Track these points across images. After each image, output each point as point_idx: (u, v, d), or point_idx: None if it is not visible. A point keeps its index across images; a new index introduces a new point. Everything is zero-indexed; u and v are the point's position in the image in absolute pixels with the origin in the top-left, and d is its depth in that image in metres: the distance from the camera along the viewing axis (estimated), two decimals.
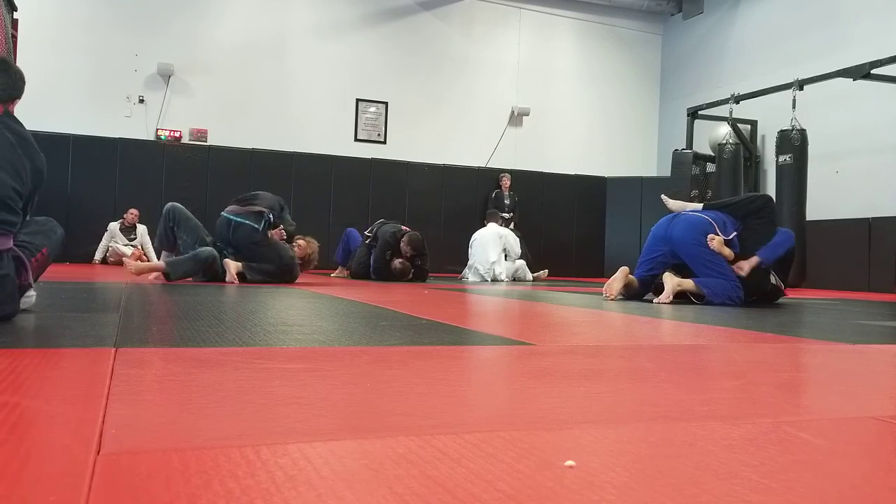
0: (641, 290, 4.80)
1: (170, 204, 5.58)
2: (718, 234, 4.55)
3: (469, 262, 8.44)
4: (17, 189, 2.22)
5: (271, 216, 5.58)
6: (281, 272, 5.51)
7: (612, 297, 4.61)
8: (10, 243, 2.20)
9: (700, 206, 4.99)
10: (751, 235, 4.68)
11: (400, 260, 7.14)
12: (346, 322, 2.68)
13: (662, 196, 5.23)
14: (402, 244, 7.21)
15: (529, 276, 8.67)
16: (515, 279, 8.50)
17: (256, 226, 5.46)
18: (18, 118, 2.41)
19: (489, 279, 8.08)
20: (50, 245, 2.45)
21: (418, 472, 0.78)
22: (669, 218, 4.82)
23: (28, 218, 2.41)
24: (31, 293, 2.44)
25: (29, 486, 0.70)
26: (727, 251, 4.54)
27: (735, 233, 4.63)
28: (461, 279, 8.25)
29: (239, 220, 5.46)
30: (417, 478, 0.76)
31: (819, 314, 4.07)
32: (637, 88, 12.60)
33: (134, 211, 9.29)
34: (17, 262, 2.22)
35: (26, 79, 2.51)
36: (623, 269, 4.71)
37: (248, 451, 0.84)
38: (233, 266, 5.24)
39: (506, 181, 10.99)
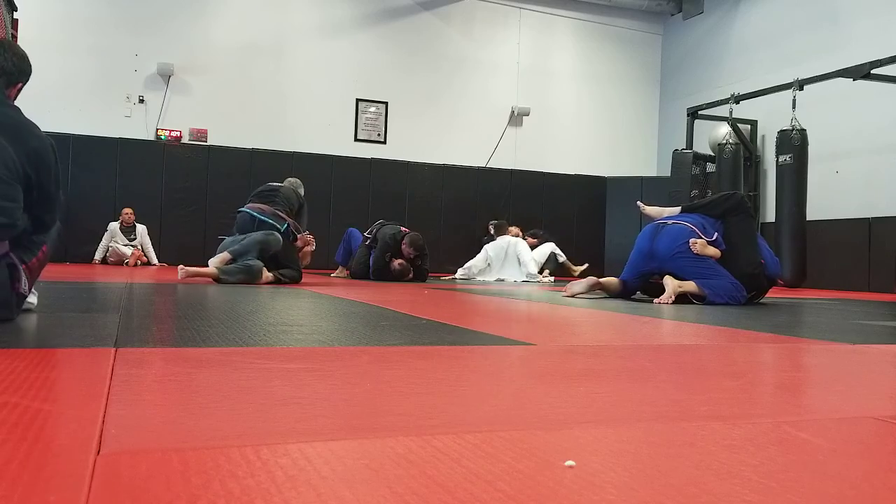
0: (625, 293, 4.84)
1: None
2: (701, 238, 4.55)
3: (486, 268, 8.55)
4: (7, 183, 2.09)
5: (294, 228, 5.78)
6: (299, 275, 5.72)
7: (571, 295, 4.79)
8: (5, 249, 2.14)
9: (677, 209, 4.97)
10: (734, 233, 4.69)
11: (399, 261, 7.14)
12: (346, 322, 2.68)
13: (639, 203, 5.23)
14: (403, 245, 7.21)
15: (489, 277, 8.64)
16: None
17: (279, 226, 5.63)
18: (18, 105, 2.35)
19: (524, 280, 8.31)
20: (48, 240, 2.38)
21: (418, 472, 0.78)
22: (652, 230, 4.78)
23: (47, 212, 2.29)
24: (32, 295, 2.41)
25: (29, 486, 0.70)
26: (712, 250, 4.54)
27: (717, 233, 4.63)
28: (453, 279, 8.26)
29: (263, 217, 5.60)
30: (417, 478, 0.76)
31: (819, 314, 4.07)
32: (637, 88, 12.59)
33: (128, 210, 9.28)
34: (11, 270, 2.15)
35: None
36: (590, 279, 4.86)
37: (248, 451, 0.84)
38: (265, 276, 5.34)
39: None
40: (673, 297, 4.38)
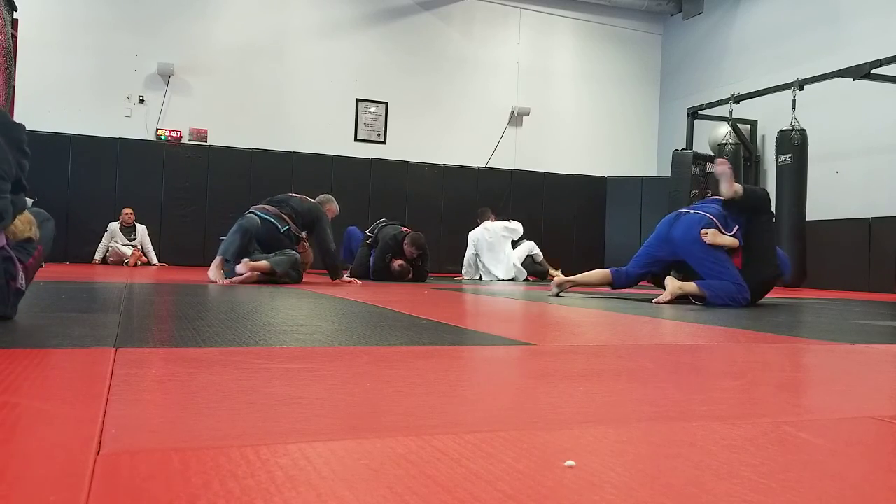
0: (623, 283, 4.85)
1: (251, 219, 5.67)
2: (719, 230, 4.53)
3: (478, 264, 8.66)
4: (5, 179, 2.10)
5: (295, 231, 5.84)
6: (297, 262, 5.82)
7: (554, 295, 4.81)
8: (2, 242, 2.13)
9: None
10: (759, 237, 4.63)
11: (399, 262, 7.15)
12: (346, 322, 2.68)
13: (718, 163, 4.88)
14: (405, 245, 7.21)
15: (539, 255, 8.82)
16: (533, 265, 8.67)
17: (279, 226, 5.74)
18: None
19: (510, 278, 8.35)
20: (44, 241, 2.36)
21: (418, 472, 0.78)
22: (673, 217, 4.80)
23: (25, 199, 2.28)
24: None
25: (29, 486, 0.70)
26: (727, 240, 4.47)
27: (737, 227, 4.59)
28: (461, 280, 8.34)
29: (266, 217, 5.75)
30: (417, 478, 0.76)
31: (819, 314, 4.07)
32: (637, 88, 12.60)
33: (128, 210, 9.28)
34: (9, 264, 2.14)
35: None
36: (557, 279, 4.93)
37: (248, 451, 0.84)
38: (259, 266, 5.40)
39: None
40: (671, 297, 4.38)
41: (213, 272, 5.35)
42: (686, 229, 4.60)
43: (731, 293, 4.39)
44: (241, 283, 5.17)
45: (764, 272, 4.54)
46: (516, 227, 8.75)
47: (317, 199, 6.37)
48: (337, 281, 5.88)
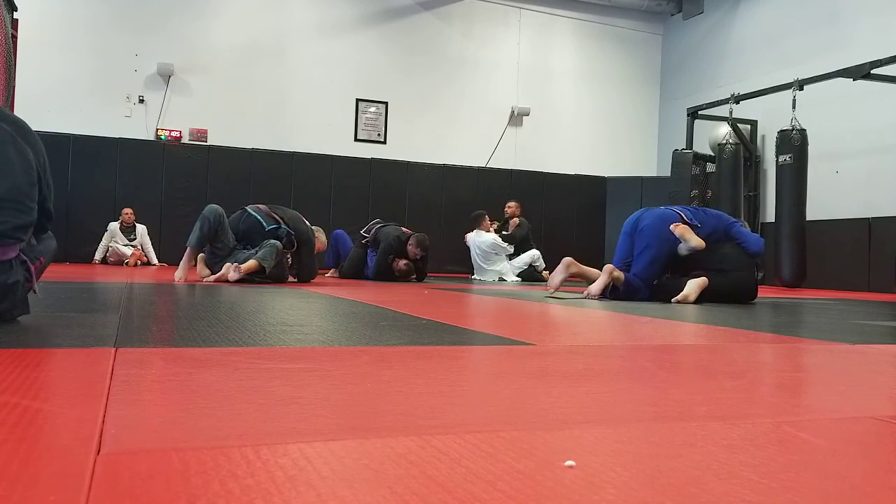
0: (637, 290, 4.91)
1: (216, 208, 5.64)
2: (687, 223, 4.70)
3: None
4: (31, 184, 2.10)
5: (284, 233, 5.82)
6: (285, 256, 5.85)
7: (553, 290, 4.79)
8: (18, 250, 2.16)
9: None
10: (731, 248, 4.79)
11: (405, 261, 7.19)
12: (346, 322, 2.68)
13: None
14: (409, 246, 7.24)
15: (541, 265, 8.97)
16: (532, 273, 8.77)
17: (264, 223, 5.76)
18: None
19: (495, 279, 8.56)
20: (47, 255, 2.41)
21: (418, 472, 0.78)
22: (639, 213, 4.99)
23: (48, 216, 2.29)
24: None
25: (29, 486, 0.70)
26: (694, 239, 4.62)
27: (700, 224, 4.75)
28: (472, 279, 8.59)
29: (254, 213, 5.80)
30: (417, 478, 0.76)
31: (819, 314, 4.07)
32: (637, 88, 12.60)
33: (128, 210, 9.28)
34: (25, 268, 2.18)
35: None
36: (567, 259, 4.85)
37: (248, 451, 0.84)
38: (248, 268, 5.39)
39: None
40: (602, 285, 4.55)
41: (200, 270, 5.48)
42: (654, 218, 4.78)
43: (634, 288, 4.61)
44: (234, 281, 5.20)
45: (745, 280, 4.74)
46: (507, 246, 8.88)
47: (311, 226, 6.41)
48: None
